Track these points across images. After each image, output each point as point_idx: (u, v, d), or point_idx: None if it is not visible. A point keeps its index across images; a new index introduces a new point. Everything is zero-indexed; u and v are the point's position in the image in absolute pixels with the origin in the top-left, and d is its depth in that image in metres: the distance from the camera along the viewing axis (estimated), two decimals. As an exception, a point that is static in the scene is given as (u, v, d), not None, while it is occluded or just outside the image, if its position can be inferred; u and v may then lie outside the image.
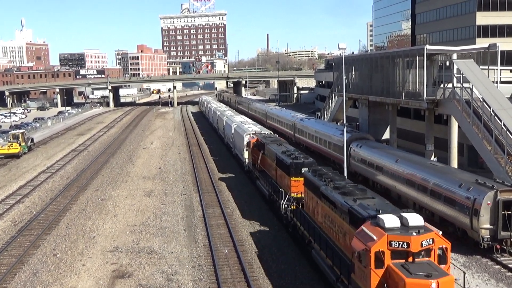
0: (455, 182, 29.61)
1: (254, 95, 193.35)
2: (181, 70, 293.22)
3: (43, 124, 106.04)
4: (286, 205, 31.22)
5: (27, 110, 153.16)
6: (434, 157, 44.31)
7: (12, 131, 72.36)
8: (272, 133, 50.70)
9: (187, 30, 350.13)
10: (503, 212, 26.44)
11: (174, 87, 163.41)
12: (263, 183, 40.15)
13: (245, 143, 47.76)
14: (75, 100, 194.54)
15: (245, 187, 45.05)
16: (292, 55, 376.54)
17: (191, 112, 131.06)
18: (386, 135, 53.72)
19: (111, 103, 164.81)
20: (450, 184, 29.77)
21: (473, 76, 39.34)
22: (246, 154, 47.87)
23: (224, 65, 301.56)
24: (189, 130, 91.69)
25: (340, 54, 50.51)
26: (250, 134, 48.36)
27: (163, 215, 37.05)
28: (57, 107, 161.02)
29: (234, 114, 73.61)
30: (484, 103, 37.31)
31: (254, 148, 44.06)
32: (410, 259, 17.64)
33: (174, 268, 27.15)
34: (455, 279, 17.43)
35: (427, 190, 31.66)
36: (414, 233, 17.66)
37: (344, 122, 40.84)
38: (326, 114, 70.28)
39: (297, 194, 30.86)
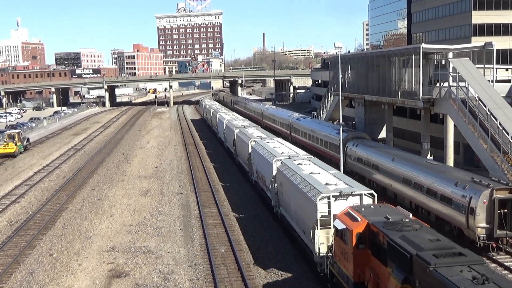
0: (451, 180, 29.68)
1: (251, 94, 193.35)
2: (177, 69, 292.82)
3: (39, 124, 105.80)
4: None
5: (23, 110, 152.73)
6: (430, 156, 44.39)
7: (8, 131, 72.22)
8: (374, 194, 24.70)
9: (183, 29, 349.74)
10: (499, 211, 26.51)
11: (170, 87, 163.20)
12: None
13: (319, 216, 23.88)
14: (71, 100, 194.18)
15: None
16: (288, 54, 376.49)
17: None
18: (383, 134, 53.77)
19: (107, 103, 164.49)
20: (446, 182, 29.84)
21: (469, 75, 39.38)
22: (320, 237, 23.87)
23: (220, 64, 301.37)
24: (185, 129, 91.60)
25: (336, 53, 50.47)
26: (331, 198, 24.16)
27: (160, 214, 37.01)
28: (53, 107, 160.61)
29: (272, 140, 43.95)
30: (480, 102, 37.37)
31: (360, 245, 19.45)
32: None
33: (170, 267, 27.14)
34: None
35: (423, 188, 31.74)
36: None
37: (341, 121, 40.94)
38: (323, 113, 70.26)
39: None
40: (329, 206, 23.98)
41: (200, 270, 26.62)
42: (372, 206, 22.12)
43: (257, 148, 40.76)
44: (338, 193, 24.30)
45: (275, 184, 33.26)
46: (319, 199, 23.95)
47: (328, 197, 24.08)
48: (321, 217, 23.87)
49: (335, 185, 25.71)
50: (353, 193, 24.50)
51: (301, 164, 31.29)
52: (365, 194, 24.49)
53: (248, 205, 38.67)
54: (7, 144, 64.90)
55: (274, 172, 33.73)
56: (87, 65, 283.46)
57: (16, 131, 71.34)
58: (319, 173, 28.48)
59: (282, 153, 36.41)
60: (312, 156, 35.88)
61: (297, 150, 38.57)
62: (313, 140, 54.04)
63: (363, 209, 21.25)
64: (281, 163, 33.05)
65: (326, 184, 25.93)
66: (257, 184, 40.90)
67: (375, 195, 24.62)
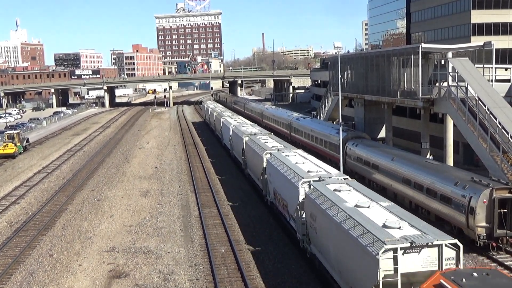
0: (451, 180, 29.70)
1: (250, 94, 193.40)
2: (176, 69, 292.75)
3: (38, 124, 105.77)
4: None
5: (23, 110, 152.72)
6: (430, 155, 44.41)
7: (8, 132, 72.17)
8: (459, 246, 17.81)
9: (182, 30, 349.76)
10: (498, 210, 26.54)
11: (170, 87, 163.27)
12: None
13: (382, 275, 17.36)
14: (71, 101, 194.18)
15: None
16: (288, 54, 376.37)
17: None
18: (382, 134, 53.81)
19: (107, 104, 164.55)
20: (446, 182, 29.85)
21: (468, 75, 39.40)
22: None
23: (220, 65, 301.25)
24: (185, 129, 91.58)
25: (336, 53, 50.50)
26: (398, 251, 17.46)
27: (160, 215, 37.00)
28: (52, 107, 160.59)
29: (292, 153, 36.30)
30: (479, 101, 37.40)
31: None
32: None
33: (170, 267, 27.14)
34: None
35: (423, 188, 31.75)
36: None
37: (340, 121, 40.92)
38: (322, 113, 70.26)
39: None
40: (395, 263, 17.27)
41: (200, 270, 26.61)
42: (475, 274, 15.22)
43: (275, 163, 33.44)
44: (408, 244, 17.35)
45: (303, 213, 26.44)
46: (382, 253, 17.12)
47: (395, 250, 17.26)
48: (384, 277, 17.25)
49: (399, 228, 18.63)
50: (429, 244, 17.51)
51: (339, 191, 24.24)
52: (445, 245, 17.58)
53: (248, 205, 38.67)
54: (7, 144, 64.86)
55: (301, 198, 26.73)
56: (86, 65, 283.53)
57: (16, 131, 71.32)
58: (368, 207, 21.43)
59: (309, 172, 29.22)
60: (347, 176, 28.61)
61: (327, 168, 30.94)
62: (313, 140, 54.06)
63: (463, 280, 14.73)
64: (311, 187, 25.97)
65: (385, 226, 18.91)
66: (274, 206, 34.09)
67: (460, 246, 17.70)
